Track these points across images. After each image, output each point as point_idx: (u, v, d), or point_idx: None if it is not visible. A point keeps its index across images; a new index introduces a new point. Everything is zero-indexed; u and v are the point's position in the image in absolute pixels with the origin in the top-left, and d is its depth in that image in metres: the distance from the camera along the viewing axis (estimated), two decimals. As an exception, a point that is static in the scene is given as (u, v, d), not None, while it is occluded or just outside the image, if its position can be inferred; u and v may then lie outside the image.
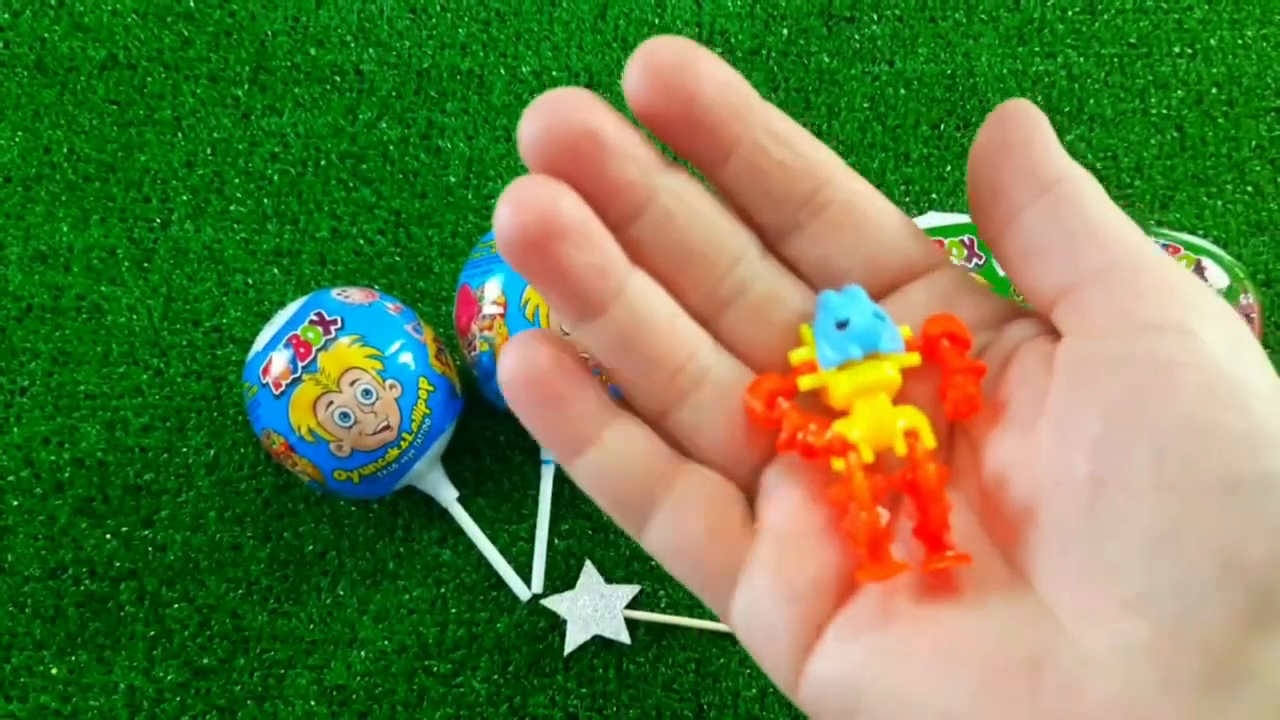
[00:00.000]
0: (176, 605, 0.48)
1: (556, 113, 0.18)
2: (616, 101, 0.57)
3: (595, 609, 0.47)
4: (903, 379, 0.20)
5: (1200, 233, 0.55)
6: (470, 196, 0.55)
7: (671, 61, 0.18)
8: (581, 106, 0.18)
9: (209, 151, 0.55)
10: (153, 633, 0.48)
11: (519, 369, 0.19)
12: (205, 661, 0.47)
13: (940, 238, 0.49)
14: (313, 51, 0.57)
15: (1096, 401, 0.17)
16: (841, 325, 0.19)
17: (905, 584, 0.19)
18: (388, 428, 0.44)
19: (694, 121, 0.18)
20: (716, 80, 0.18)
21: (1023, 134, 0.19)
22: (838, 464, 0.19)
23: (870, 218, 0.20)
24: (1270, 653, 0.16)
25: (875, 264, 0.20)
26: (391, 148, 0.56)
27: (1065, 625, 0.17)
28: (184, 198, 0.54)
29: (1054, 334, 0.19)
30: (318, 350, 0.44)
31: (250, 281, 0.53)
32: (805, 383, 0.20)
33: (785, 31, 0.58)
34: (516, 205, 0.18)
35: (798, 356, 0.20)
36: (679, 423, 0.20)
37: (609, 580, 0.48)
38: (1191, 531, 0.16)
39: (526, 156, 0.18)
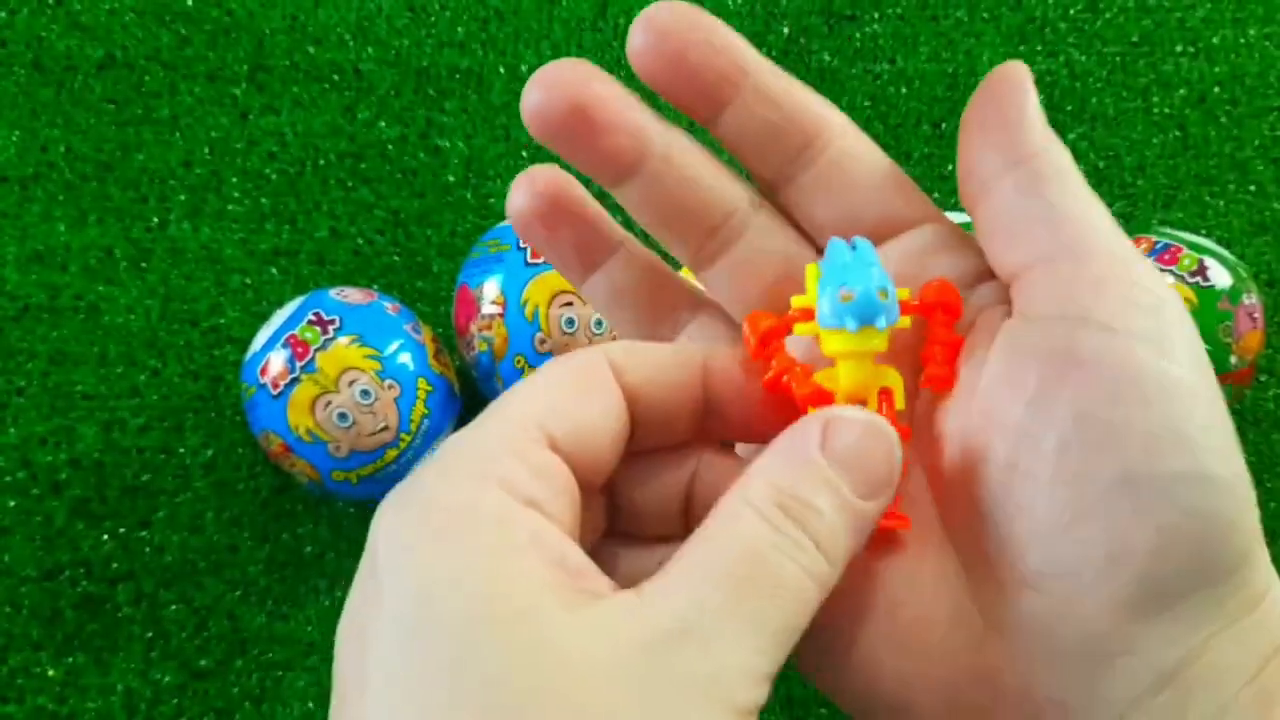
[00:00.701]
0: (174, 607, 0.48)
1: (550, 88, 0.20)
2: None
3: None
4: (892, 337, 0.21)
5: (1203, 232, 0.55)
6: (469, 196, 0.55)
7: (668, 27, 0.19)
8: (574, 82, 0.20)
9: (207, 151, 0.55)
10: (150, 634, 0.47)
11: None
12: (203, 663, 0.47)
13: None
14: (311, 50, 0.57)
15: (1019, 388, 0.18)
16: (848, 294, 0.20)
17: None
18: (386, 428, 0.44)
19: (685, 83, 0.20)
20: (709, 45, 0.20)
21: (999, 107, 0.19)
22: (812, 411, 0.20)
23: (852, 174, 0.21)
24: (1148, 633, 0.17)
25: (854, 218, 0.21)
26: (390, 147, 0.55)
27: (975, 591, 0.19)
28: (181, 197, 0.54)
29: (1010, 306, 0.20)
30: (316, 350, 0.43)
31: (248, 281, 0.53)
32: (800, 330, 0.20)
33: (786, 30, 0.58)
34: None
35: (799, 301, 0.20)
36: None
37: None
38: (1084, 523, 0.17)
39: (527, 125, 0.20)
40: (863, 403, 0.20)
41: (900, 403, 0.20)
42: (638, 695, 0.15)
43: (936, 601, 0.19)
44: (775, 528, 0.17)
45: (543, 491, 0.17)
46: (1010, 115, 0.19)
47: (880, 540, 0.20)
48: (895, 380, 0.20)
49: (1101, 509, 0.17)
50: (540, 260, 0.45)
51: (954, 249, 0.21)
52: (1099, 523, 0.17)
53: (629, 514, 0.21)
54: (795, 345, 0.21)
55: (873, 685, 0.19)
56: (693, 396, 0.20)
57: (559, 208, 0.21)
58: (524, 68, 0.57)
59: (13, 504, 0.49)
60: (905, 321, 0.20)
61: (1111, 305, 0.18)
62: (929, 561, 0.19)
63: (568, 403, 0.18)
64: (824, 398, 0.20)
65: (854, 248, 0.20)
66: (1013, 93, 0.19)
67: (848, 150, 0.21)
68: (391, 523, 0.17)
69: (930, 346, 0.20)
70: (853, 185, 0.21)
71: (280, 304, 0.47)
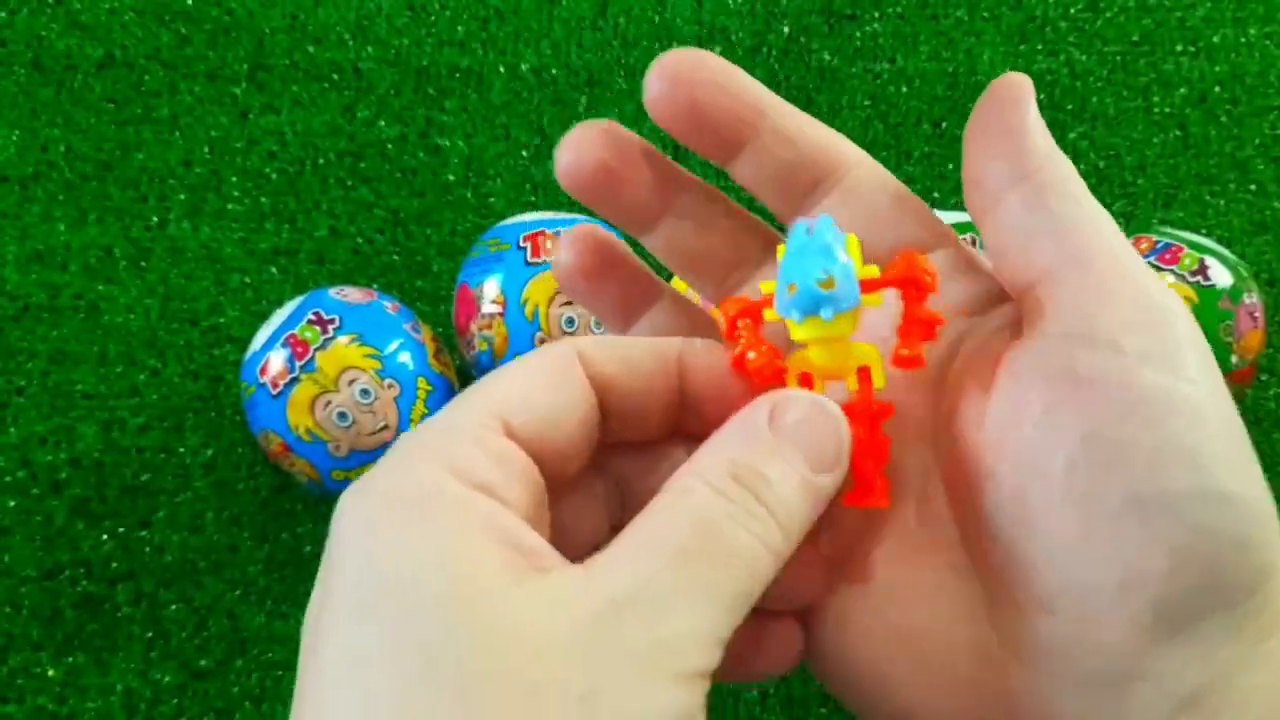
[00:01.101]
0: (174, 606, 0.48)
1: (578, 148, 0.21)
2: (616, 99, 0.57)
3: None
4: (866, 312, 0.20)
5: (1203, 232, 0.55)
6: (469, 195, 0.55)
7: (682, 75, 0.20)
8: (600, 145, 0.21)
9: (206, 150, 0.55)
10: (150, 634, 0.47)
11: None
12: (202, 663, 0.47)
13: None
14: (311, 49, 0.57)
15: (1026, 410, 0.18)
16: (791, 286, 0.19)
17: (865, 556, 0.20)
18: (386, 428, 0.44)
19: (701, 129, 0.21)
20: (724, 90, 0.21)
21: (1002, 120, 0.19)
22: (793, 384, 0.20)
23: (866, 201, 0.21)
24: (1167, 656, 0.17)
25: (868, 244, 0.21)
26: (390, 146, 0.55)
27: (994, 616, 0.19)
28: (181, 196, 0.54)
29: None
30: (315, 350, 0.43)
31: (248, 281, 0.53)
32: (769, 315, 0.20)
33: (786, 29, 0.58)
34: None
35: (767, 286, 0.20)
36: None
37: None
38: (1094, 545, 0.17)
39: (559, 180, 0.22)
40: (841, 382, 0.20)
41: (880, 380, 0.20)
42: (588, 664, 0.15)
43: (956, 627, 0.19)
44: (729, 498, 0.17)
45: (497, 476, 0.17)
46: (1013, 124, 0.19)
47: (857, 526, 0.20)
48: (873, 358, 0.20)
49: (1111, 529, 0.17)
50: (540, 260, 0.45)
51: (967, 273, 0.21)
52: (1110, 544, 0.17)
53: (639, 505, 0.21)
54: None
55: (894, 711, 0.19)
56: (668, 387, 0.20)
57: (600, 264, 0.23)
58: (524, 67, 0.57)
59: (13, 504, 0.49)
60: (876, 300, 0.20)
61: (1116, 323, 0.17)
62: (948, 588, 0.19)
63: (529, 392, 0.18)
64: (776, 370, 0.20)
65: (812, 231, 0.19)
66: (1015, 103, 0.19)
67: (862, 179, 0.21)
68: (352, 510, 0.17)
69: (904, 324, 0.20)
70: (867, 212, 0.21)
71: (280, 303, 0.47)
